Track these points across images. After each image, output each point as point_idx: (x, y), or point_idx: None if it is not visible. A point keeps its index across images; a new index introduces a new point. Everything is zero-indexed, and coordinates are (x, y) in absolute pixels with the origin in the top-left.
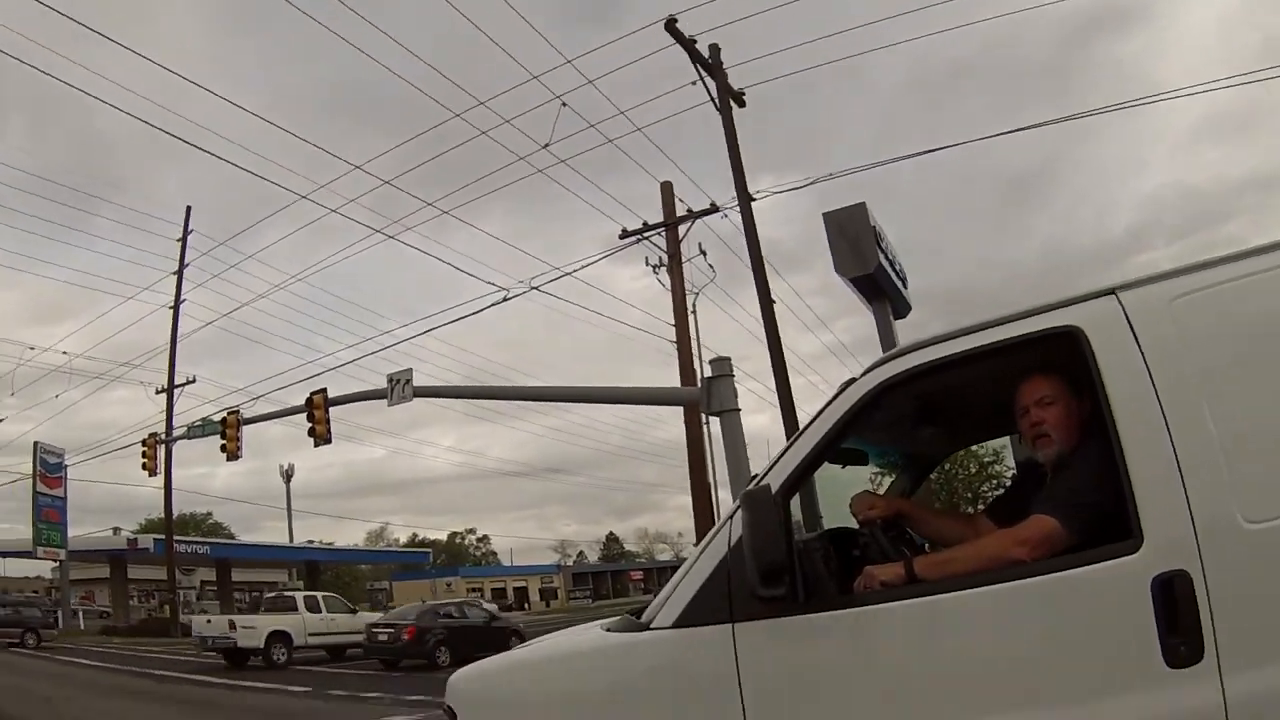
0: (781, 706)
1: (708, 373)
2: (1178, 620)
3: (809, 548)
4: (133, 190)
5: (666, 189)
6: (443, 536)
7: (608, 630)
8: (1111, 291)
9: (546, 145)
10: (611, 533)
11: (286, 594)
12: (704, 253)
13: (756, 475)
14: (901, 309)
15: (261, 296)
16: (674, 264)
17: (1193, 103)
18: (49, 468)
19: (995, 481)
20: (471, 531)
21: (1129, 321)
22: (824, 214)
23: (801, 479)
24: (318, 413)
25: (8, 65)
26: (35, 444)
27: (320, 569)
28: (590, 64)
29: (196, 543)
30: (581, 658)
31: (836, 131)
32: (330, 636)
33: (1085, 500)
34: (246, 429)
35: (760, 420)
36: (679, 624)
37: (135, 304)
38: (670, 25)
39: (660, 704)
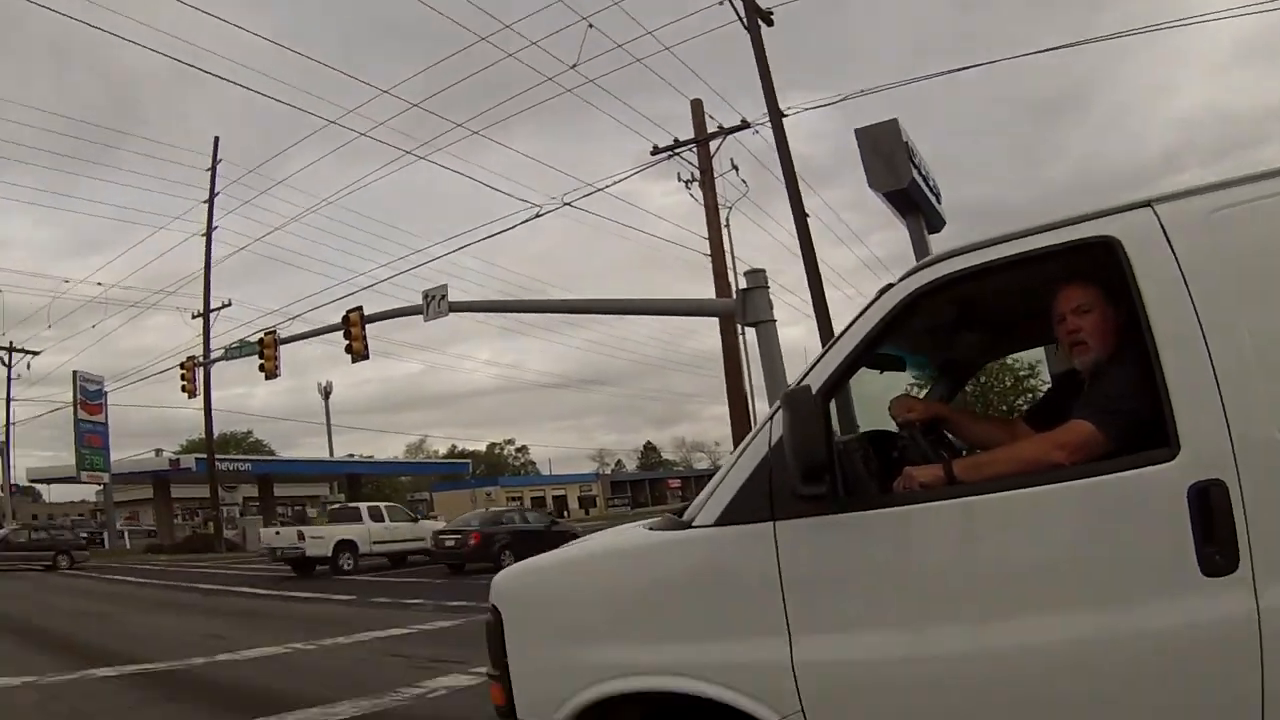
0: (820, 602)
1: (742, 284)
2: (1213, 530)
3: (849, 448)
4: (159, 125)
5: (697, 106)
6: (481, 448)
7: (651, 529)
8: (1148, 204)
9: (574, 66)
10: (649, 442)
11: (351, 505)
12: (736, 168)
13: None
14: (936, 223)
15: (293, 220)
16: (706, 179)
17: (1230, 24)
18: (89, 395)
19: (1030, 396)
20: (510, 442)
21: (1165, 233)
22: (856, 130)
23: (841, 381)
24: (354, 330)
25: (29, 9)
26: (74, 373)
27: (361, 482)
28: None
29: (238, 460)
30: (625, 555)
31: (867, 49)
32: (393, 544)
33: (1122, 407)
34: (284, 349)
35: (795, 333)
36: (720, 522)
37: (167, 234)
38: None
39: (702, 599)
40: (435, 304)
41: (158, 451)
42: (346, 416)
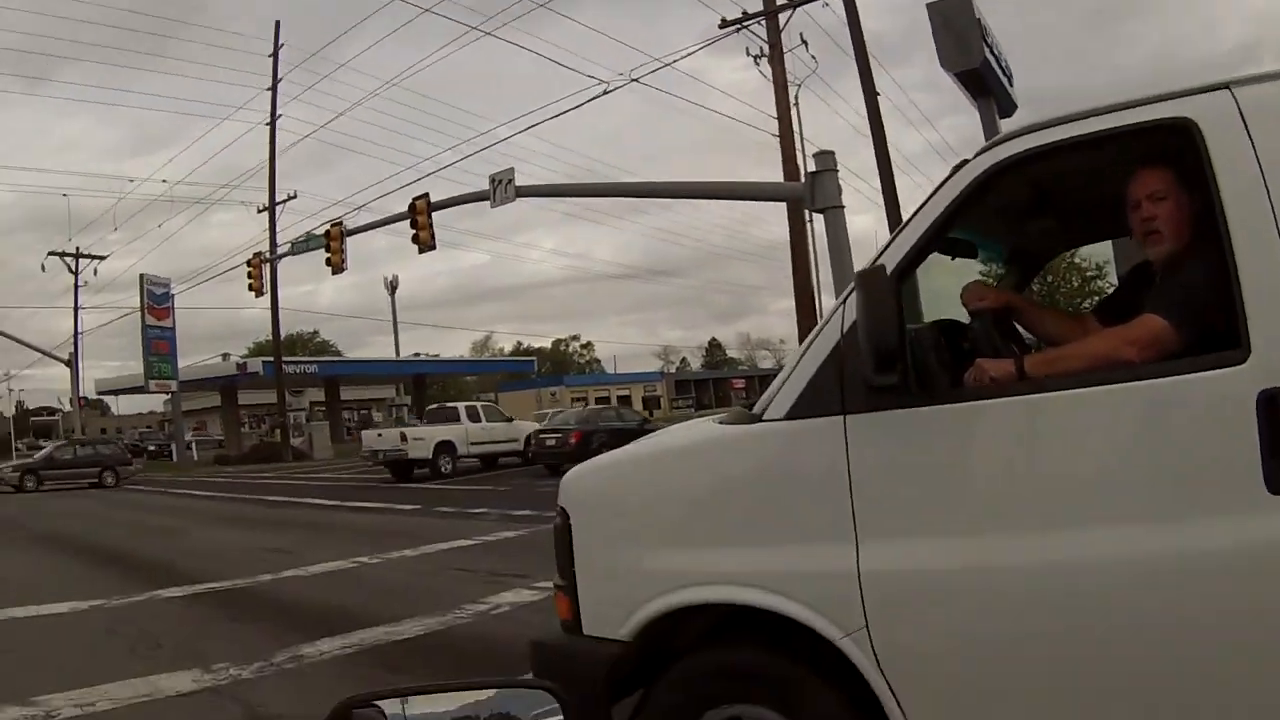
0: (889, 499)
1: (811, 167)
2: None
3: (920, 336)
4: (217, 11)
5: None
6: (547, 344)
7: (721, 423)
8: (1226, 86)
9: None
10: (714, 338)
11: (449, 405)
12: (805, 43)
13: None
14: (1007, 106)
15: (357, 105)
16: (775, 54)
17: None
18: (155, 299)
19: (1097, 298)
20: (575, 338)
21: (1243, 118)
22: (928, 4)
23: (915, 261)
24: (420, 218)
25: None
26: (141, 276)
27: (426, 383)
28: None
29: (305, 362)
30: (694, 451)
31: None
32: (488, 445)
33: (1196, 302)
34: (350, 240)
35: (863, 221)
36: (790, 415)
37: (230, 125)
38: None
39: (771, 495)
40: (502, 189)
41: (224, 356)
42: (414, 312)
